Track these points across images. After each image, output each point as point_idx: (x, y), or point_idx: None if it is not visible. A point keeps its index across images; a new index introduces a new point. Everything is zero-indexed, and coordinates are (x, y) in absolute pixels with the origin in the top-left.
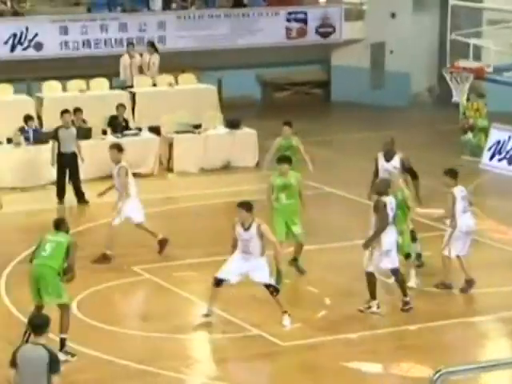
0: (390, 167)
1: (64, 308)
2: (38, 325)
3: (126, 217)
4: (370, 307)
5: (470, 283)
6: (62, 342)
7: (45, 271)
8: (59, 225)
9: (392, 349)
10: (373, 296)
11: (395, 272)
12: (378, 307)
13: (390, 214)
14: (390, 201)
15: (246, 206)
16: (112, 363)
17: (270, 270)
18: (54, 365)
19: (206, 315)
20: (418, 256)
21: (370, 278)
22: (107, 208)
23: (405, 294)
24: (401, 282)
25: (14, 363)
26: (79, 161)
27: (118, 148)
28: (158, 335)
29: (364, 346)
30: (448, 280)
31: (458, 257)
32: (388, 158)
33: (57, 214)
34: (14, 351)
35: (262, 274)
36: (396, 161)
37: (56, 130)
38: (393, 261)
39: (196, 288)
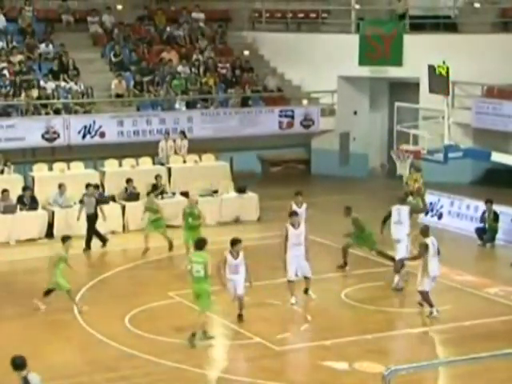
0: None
1: None
2: (18, 364)
3: None
4: (431, 313)
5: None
6: None
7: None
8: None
9: (355, 352)
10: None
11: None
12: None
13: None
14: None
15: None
16: (152, 362)
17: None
18: None
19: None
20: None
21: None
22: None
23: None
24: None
25: None
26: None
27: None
28: (187, 342)
29: (335, 350)
30: None
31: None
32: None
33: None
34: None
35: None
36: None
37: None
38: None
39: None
